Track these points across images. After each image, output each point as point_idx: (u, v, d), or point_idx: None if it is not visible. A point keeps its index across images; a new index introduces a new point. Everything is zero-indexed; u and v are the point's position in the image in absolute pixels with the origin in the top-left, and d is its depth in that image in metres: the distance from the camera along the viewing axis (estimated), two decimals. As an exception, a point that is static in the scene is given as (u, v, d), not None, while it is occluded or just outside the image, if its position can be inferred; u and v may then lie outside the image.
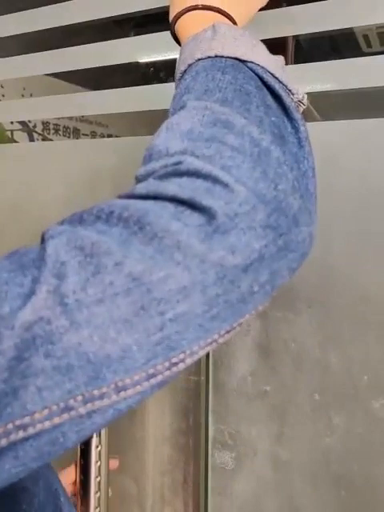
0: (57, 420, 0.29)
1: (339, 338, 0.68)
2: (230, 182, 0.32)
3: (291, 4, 0.71)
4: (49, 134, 2.90)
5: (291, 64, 0.74)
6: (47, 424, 0.28)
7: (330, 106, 0.75)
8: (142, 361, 0.30)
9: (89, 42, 0.90)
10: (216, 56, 0.42)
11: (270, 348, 0.73)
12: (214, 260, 0.30)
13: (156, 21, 0.89)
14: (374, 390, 0.66)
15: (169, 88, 0.85)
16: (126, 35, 0.89)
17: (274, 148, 0.35)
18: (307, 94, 0.47)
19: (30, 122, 2.64)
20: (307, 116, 0.75)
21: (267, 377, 0.73)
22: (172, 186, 0.32)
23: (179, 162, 0.33)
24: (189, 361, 0.32)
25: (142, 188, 0.33)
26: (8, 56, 0.98)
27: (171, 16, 0.50)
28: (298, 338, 0.71)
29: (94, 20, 0.88)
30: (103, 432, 0.75)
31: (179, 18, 0.48)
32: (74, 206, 0.94)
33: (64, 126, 3.03)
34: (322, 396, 0.70)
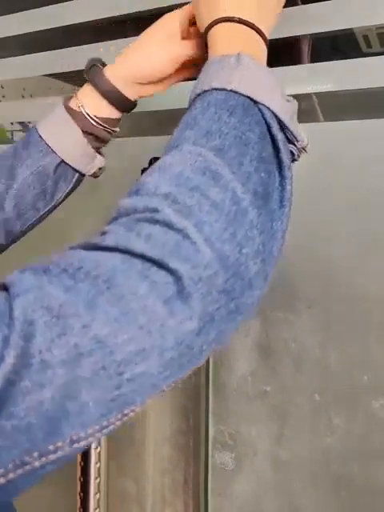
0: (11, 475, 0.29)
1: (339, 338, 0.68)
2: (198, 242, 0.33)
3: (291, 5, 0.71)
4: (49, 134, 2.89)
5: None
6: (1, 480, 0.29)
7: (337, 106, 0.75)
8: (97, 416, 0.31)
9: (89, 43, 0.90)
10: (231, 90, 0.42)
11: (270, 348, 0.73)
12: (173, 326, 0.31)
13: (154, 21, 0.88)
14: (374, 390, 0.66)
15: (168, 89, 0.85)
16: (126, 36, 0.89)
17: (251, 210, 0.37)
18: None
19: (29, 122, 2.64)
20: (311, 116, 0.75)
21: (267, 377, 0.73)
22: (141, 243, 0.33)
23: (156, 210, 0.34)
24: (138, 409, 0.33)
25: (110, 240, 0.34)
26: (8, 57, 0.98)
27: (204, 21, 0.49)
28: (298, 338, 0.71)
29: (94, 20, 0.88)
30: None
31: (213, 26, 0.48)
32: (75, 205, 0.94)
33: (64, 127, 3.03)
34: (322, 396, 0.70)
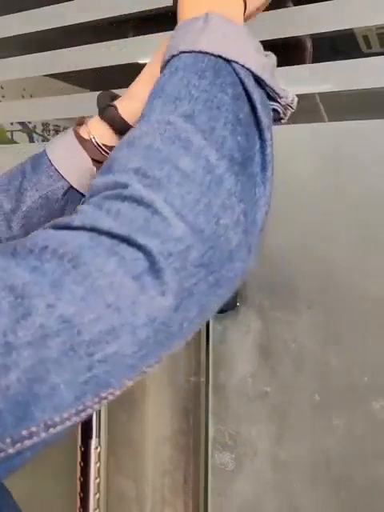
0: None
1: (339, 338, 0.68)
2: (169, 216, 0.32)
3: (294, 5, 0.71)
4: (49, 134, 2.90)
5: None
6: None
7: (337, 106, 0.75)
8: (71, 399, 0.30)
9: (88, 43, 0.90)
10: (200, 52, 0.40)
11: (270, 349, 0.73)
12: (144, 302, 0.30)
13: (155, 22, 0.89)
14: (375, 390, 0.66)
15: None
16: (126, 36, 0.89)
17: (228, 177, 0.35)
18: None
19: (29, 122, 2.64)
20: (315, 116, 0.75)
21: (267, 377, 0.73)
22: (109, 220, 0.32)
23: (126, 185, 0.33)
24: (118, 393, 0.32)
25: (78, 220, 0.32)
26: (8, 57, 0.99)
27: None
28: (298, 338, 0.71)
29: (93, 21, 0.88)
30: (103, 433, 0.75)
31: None
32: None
33: (64, 127, 3.03)
34: (322, 397, 0.70)
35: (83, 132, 0.61)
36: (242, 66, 0.40)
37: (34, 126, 2.76)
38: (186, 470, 0.81)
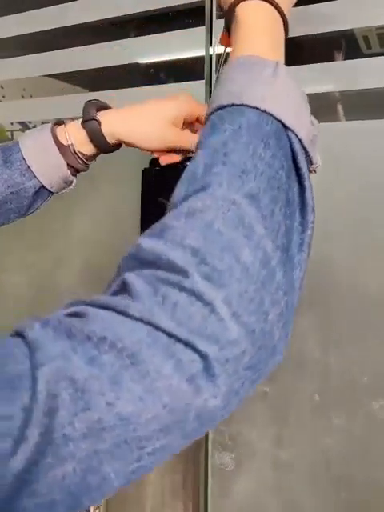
0: None
1: (339, 338, 0.68)
2: (225, 318, 0.31)
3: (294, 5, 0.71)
4: (49, 134, 2.90)
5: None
6: None
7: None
8: (117, 486, 0.31)
9: (89, 43, 0.90)
10: (265, 111, 0.38)
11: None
12: (198, 403, 0.31)
13: (156, 22, 0.89)
14: (374, 391, 0.66)
15: (169, 89, 0.85)
16: (126, 36, 0.89)
17: (279, 269, 0.34)
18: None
19: (29, 122, 2.64)
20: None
21: (267, 378, 0.73)
22: (167, 315, 0.31)
23: (184, 273, 0.32)
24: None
25: (136, 311, 0.31)
26: (8, 57, 0.99)
27: (225, 2, 0.46)
28: (297, 338, 0.71)
29: (94, 21, 0.88)
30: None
31: (237, 4, 0.44)
32: (74, 205, 0.94)
33: (64, 127, 3.03)
34: (322, 397, 0.70)
35: (61, 135, 0.62)
36: (296, 135, 0.39)
37: (34, 126, 2.76)
38: (186, 470, 0.81)
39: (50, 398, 0.28)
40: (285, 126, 0.38)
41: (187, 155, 0.64)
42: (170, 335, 0.31)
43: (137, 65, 0.89)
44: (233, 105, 0.39)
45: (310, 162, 0.41)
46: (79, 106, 0.96)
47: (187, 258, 0.32)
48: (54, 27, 0.92)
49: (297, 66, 0.73)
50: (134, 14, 0.84)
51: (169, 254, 0.33)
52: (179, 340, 0.31)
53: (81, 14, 0.89)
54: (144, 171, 0.81)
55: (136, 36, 0.87)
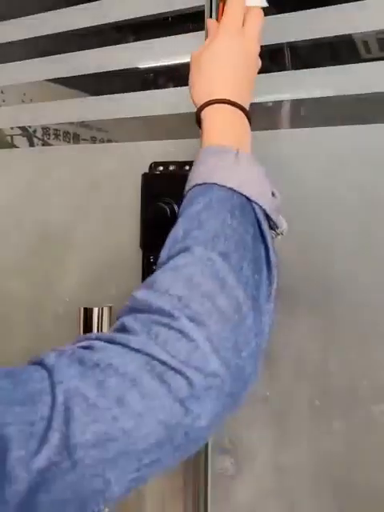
0: None
1: (339, 342, 0.68)
2: (208, 353, 0.38)
3: (292, 10, 0.71)
4: (49, 139, 2.90)
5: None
6: None
7: (338, 110, 0.76)
8: (119, 494, 0.36)
9: (89, 48, 0.90)
10: (231, 189, 0.47)
11: (270, 353, 0.73)
12: (186, 423, 0.37)
13: (156, 27, 0.89)
14: (375, 395, 0.66)
15: (168, 93, 0.85)
16: (126, 41, 0.89)
17: (250, 315, 0.41)
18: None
19: (30, 127, 2.64)
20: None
21: (267, 382, 0.73)
22: (160, 349, 0.38)
23: (173, 317, 0.39)
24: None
25: (135, 343, 0.38)
26: (9, 62, 0.99)
27: (196, 102, 0.55)
28: (298, 342, 0.71)
29: (94, 26, 0.88)
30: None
31: (204, 107, 0.54)
32: (75, 207, 0.94)
33: (64, 131, 3.03)
34: (323, 401, 0.70)
35: None
36: (260, 206, 0.48)
37: (35, 131, 2.76)
38: (185, 474, 0.81)
39: (66, 410, 0.34)
40: (249, 199, 0.47)
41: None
42: (163, 364, 0.37)
43: (137, 69, 0.89)
44: (205, 183, 0.48)
45: (275, 226, 0.51)
46: (79, 111, 0.97)
47: (174, 303, 0.40)
48: (54, 32, 0.92)
49: (296, 71, 0.73)
50: (134, 18, 0.85)
51: (158, 302, 0.40)
52: (172, 368, 0.37)
53: (81, 19, 0.90)
54: (144, 176, 0.81)
55: (135, 41, 0.87)
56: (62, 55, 0.93)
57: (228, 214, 0.45)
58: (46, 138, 2.85)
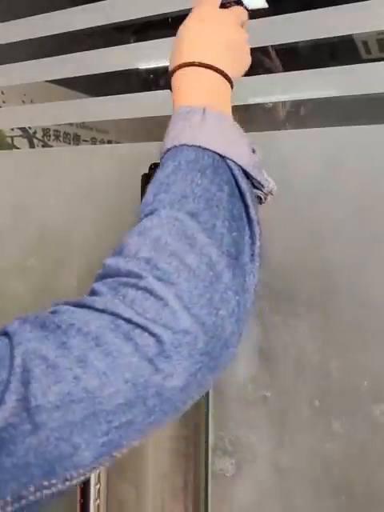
0: (9, 509, 0.33)
1: (339, 342, 0.68)
2: (177, 309, 0.37)
3: (293, 11, 0.71)
4: (49, 140, 2.91)
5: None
6: None
7: (339, 111, 0.76)
8: (91, 459, 0.35)
9: (89, 49, 0.90)
10: (200, 147, 0.45)
11: (269, 353, 0.73)
12: (156, 381, 0.35)
13: (156, 28, 0.89)
14: (375, 395, 0.66)
15: (168, 94, 0.85)
16: (127, 42, 0.89)
17: (227, 272, 0.40)
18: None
19: (30, 128, 2.65)
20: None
21: (267, 382, 0.73)
22: (126, 307, 0.37)
23: (140, 277, 0.38)
24: (125, 451, 0.37)
25: (100, 303, 0.37)
26: (9, 63, 0.99)
27: (170, 68, 0.53)
28: (298, 343, 0.71)
29: (94, 27, 0.89)
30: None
31: (175, 71, 0.51)
32: (74, 208, 0.95)
33: (64, 132, 3.04)
34: (322, 402, 0.70)
35: None
36: (235, 162, 0.46)
37: (35, 132, 2.77)
38: (185, 475, 0.81)
39: (25, 372, 0.33)
40: (222, 157, 0.45)
41: None
42: (129, 322, 0.36)
43: (136, 70, 0.89)
44: (174, 146, 0.46)
45: (260, 185, 0.49)
46: (79, 112, 0.97)
47: (141, 265, 0.39)
48: (54, 33, 0.92)
49: (297, 72, 0.73)
50: (134, 19, 0.85)
51: (127, 266, 0.39)
52: (138, 326, 0.36)
53: (82, 20, 0.90)
54: (144, 176, 0.81)
55: (136, 41, 0.87)
56: (63, 56, 0.93)
57: (198, 174, 0.44)
58: (46, 139, 2.85)
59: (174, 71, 0.52)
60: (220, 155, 0.45)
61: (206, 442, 0.78)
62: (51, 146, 2.85)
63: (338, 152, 0.69)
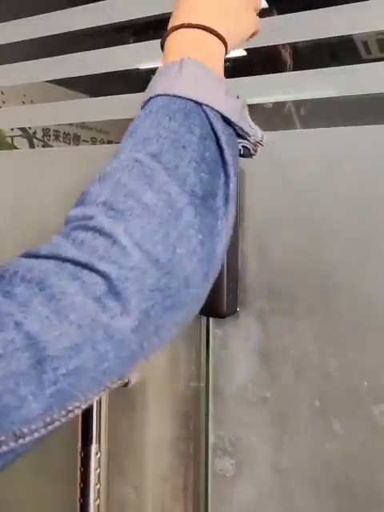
0: None
1: (339, 343, 0.68)
2: (127, 246, 0.36)
3: (291, 11, 0.71)
4: (49, 140, 2.91)
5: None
6: None
7: (339, 111, 0.76)
8: (39, 411, 0.32)
9: (89, 49, 0.90)
10: (174, 95, 0.44)
11: (270, 354, 0.73)
12: (104, 320, 0.34)
13: (156, 27, 0.89)
14: (375, 395, 0.66)
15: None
16: (127, 42, 0.89)
17: (189, 210, 0.39)
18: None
19: (30, 128, 2.65)
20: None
21: (267, 383, 0.73)
22: (73, 249, 0.36)
23: (92, 217, 0.37)
24: (84, 406, 0.35)
25: (45, 249, 0.36)
26: (9, 63, 0.99)
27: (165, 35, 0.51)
28: (298, 343, 0.71)
29: (94, 27, 0.88)
30: (103, 439, 0.74)
31: (167, 36, 0.50)
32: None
33: (64, 133, 3.04)
34: (322, 402, 0.70)
35: None
36: (212, 108, 0.44)
37: (35, 132, 2.77)
38: (186, 475, 0.81)
39: None
40: (198, 103, 0.44)
41: None
42: (75, 263, 0.35)
43: (137, 71, 0.89)
44: (150, 98, 0.46)
45: (246, 133, 0.47)
46: (79, 112, 0.97)
47: (98, 209, 0.38)
48: (54, 33, 0.92)
49: (297, 72, 0.73)
50: (135, 20, 0.85)
51: (85, 212, 0.39)
52: (84, 266, 0.34)
53: (81, 20, 0.90)
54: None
55: (135, 41, 0.87)
56: (63, 56, 0.93)
57: (166, 118, 0.43)
58: (46, 139, 2.85)
59: (165, 37, 0.50)
60: (195, 102, 0.44)
61: (206, 442, 0.78)
62: (51, 146, 2.85)
63: (338, 152, 0.69)
